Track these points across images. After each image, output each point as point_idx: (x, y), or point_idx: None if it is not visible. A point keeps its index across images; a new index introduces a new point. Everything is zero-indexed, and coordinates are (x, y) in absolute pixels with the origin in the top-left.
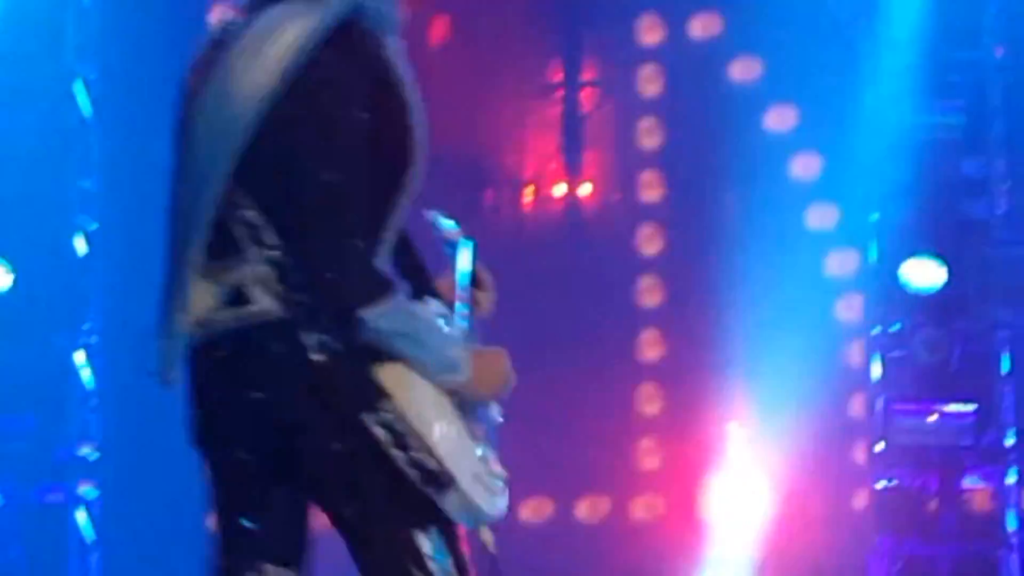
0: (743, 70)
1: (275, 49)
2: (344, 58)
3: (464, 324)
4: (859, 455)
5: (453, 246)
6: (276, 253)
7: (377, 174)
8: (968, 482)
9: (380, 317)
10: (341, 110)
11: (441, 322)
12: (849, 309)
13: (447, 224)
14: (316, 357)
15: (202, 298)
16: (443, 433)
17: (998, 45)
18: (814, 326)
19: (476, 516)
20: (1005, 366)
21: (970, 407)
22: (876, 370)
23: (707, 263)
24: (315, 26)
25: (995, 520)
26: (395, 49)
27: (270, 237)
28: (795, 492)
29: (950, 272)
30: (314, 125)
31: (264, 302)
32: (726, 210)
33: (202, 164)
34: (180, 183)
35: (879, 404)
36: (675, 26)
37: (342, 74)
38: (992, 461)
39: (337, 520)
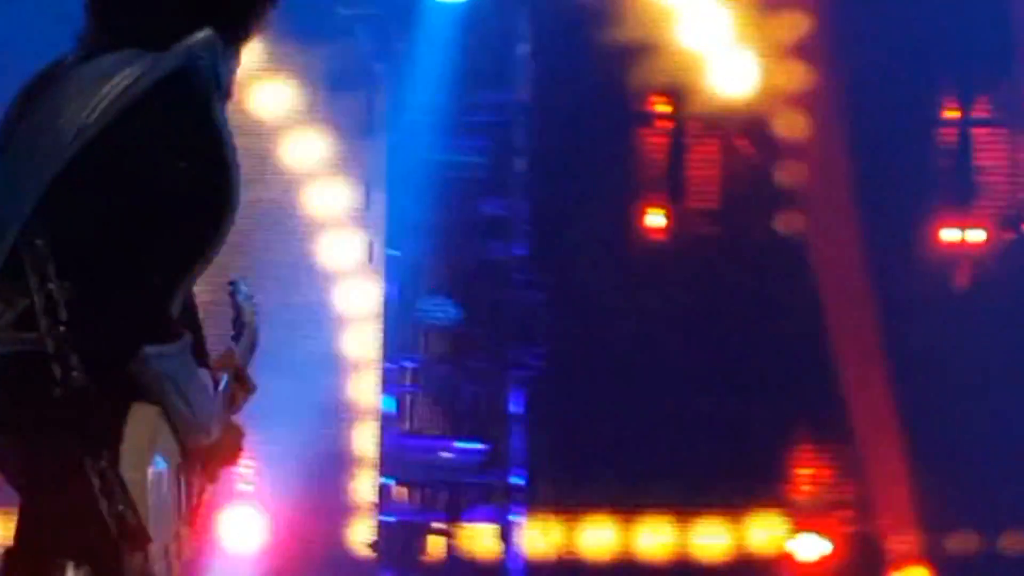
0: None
1: (105, 91)
2: (169, 110)
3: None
4: (366, 490)
5: (241, 319)
6: (53, 286)
7: (182, 226)
8: (473, 520)
9: (162, 358)
10: (155, 160)
11: (209, 386)
12: (363, 344)
13: (245, 296)
14: (64, 395)
15: None
16: (157, 497)
17: (523, 87)
18: (323, 360)
19: None
20: (516, 406)
21: (479, 445)
22: (387, 404)
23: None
24: (147, 74)
25: (498, 558)
26: (222, 108)
27: (52, 270)
28: (296, 528)
29: (465, 311)
30: (126, 170)
31: (37, 331)
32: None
33: (11, 189)
34: None
35: (387, 438)
36: None
37: (164, 125)
38: (499, 500)
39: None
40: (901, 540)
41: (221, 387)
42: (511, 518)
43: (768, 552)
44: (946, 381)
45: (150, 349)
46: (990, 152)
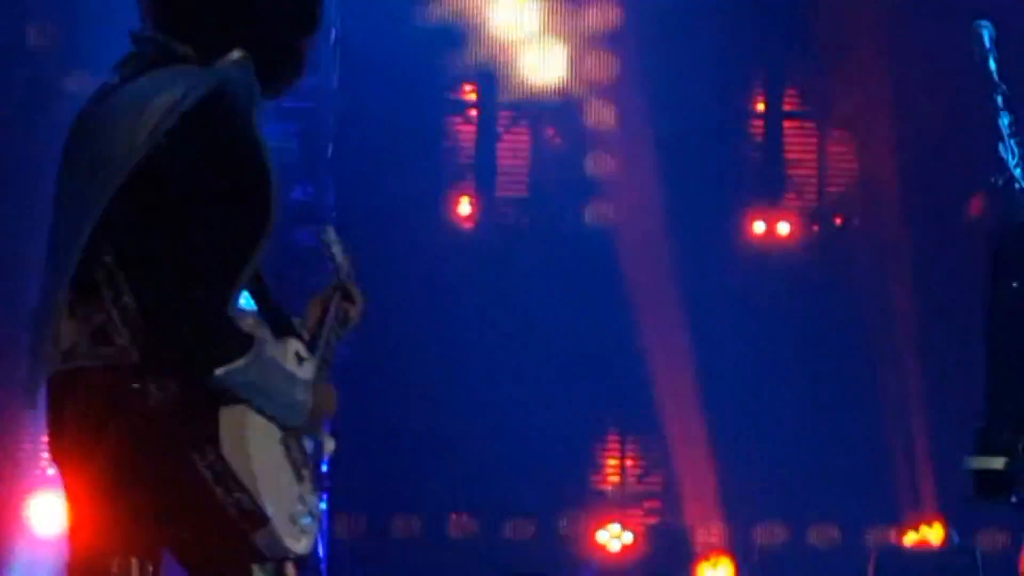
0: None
1: (151, 110)
2: (212, 125)
3: (320, 356)
4: None
5: (335, 259)
6: (128, 300)
7: (233, 231)
8: None
9: (234, 373)
10: (205, 173)
11: (294, 365)
12: None
13: (336, 242)
14: (156, 400)
15: (68, 332)
16: (265, 477)
17: (332, 73)
18: None
19: (283, 553)
20: None
21: None
22: None
23: None
24: (190, 93)
25: None
26: (259, 120)
27: (123, 284)
28: None
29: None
30: (179, 185)
31: (117, 345)
32: None
33: (75, 210)
34: (56, 225)
35: None
36: None
37: (209, 140)
38: None
39: (174, 551)
40: (706, 531)
41: (325, 331)
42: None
43: (576, 543)
44: (753, 372)
45: (222, 370)
46: (799, 145)
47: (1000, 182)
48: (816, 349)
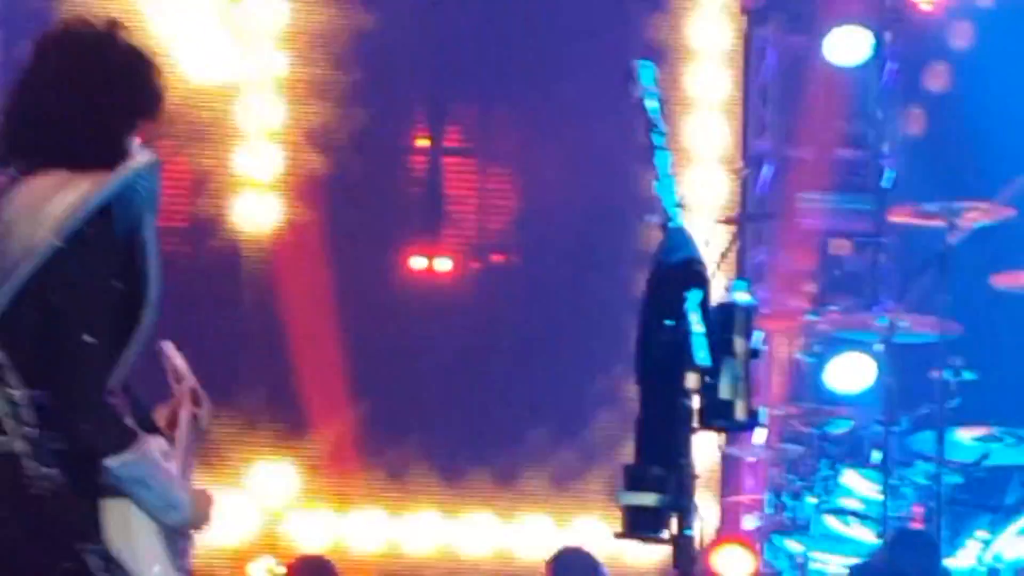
0: None
1: (51, 210)
2: (110, 230)
3: (183, 459)
4: None
5: (179, 376)
6: (16, 393)
7: (118, 329)
8: None
9: (123, 466)
10: (103, 277)
11: (168, 463)
12: None
13: (178, 356)
14: (39, 491)
15: None
16: (147, 565)
17: None
18: None
19: None
20: None
21: None
22: None
23: None
24: (93, 196)
25: None
26: (151, 225)
27: (13, 378)
28: None
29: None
30: (78, 288)
31: (6, 434)
32: None
33: None
34: None
35: None
36: None
37: (107, 244)
38: None
39: None
40: None
41: (181, 435)
42: None
43: None
44: (410, 402)
45: (111, 461)
46: (459, 181)
47: (656, 221)
48: (472, 381)
